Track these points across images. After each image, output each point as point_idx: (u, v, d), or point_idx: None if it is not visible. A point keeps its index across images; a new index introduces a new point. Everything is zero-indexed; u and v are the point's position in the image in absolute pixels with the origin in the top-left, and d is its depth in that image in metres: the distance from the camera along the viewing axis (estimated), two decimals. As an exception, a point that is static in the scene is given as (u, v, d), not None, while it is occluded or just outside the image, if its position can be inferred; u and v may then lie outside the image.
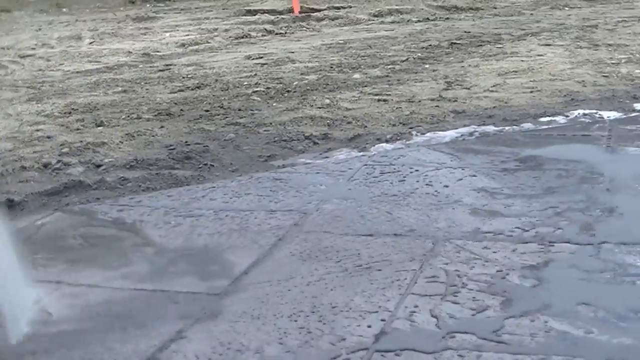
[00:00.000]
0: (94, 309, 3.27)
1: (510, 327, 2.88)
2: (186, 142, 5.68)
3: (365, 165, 4.89)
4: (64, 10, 15.06)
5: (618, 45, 8.39)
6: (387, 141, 5.47)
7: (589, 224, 3.75)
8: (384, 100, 6.62)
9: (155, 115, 6.54)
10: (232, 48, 10.19)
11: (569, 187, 4.26)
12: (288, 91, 7.17)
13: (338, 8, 13.18)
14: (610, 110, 5.88)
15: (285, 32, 11.27)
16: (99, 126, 6.29)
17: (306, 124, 6.03)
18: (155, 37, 11.38)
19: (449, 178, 4.53)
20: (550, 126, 5.55)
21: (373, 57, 8.62)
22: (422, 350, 2.78)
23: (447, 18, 11.54)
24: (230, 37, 11.00)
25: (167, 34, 11.52)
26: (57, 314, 3.24)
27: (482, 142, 5.24)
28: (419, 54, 8.63)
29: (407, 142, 5.41)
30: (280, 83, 7.53)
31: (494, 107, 6.19)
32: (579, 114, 5.81)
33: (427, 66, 7.98)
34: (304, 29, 11.49)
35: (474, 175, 4.55)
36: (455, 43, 9.16)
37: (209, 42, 10.67)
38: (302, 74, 7.94)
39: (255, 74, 8.04)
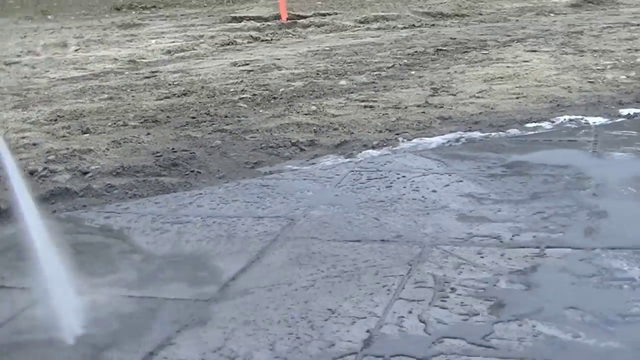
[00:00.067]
0: (82, 316, 3.26)
1: (498, 331, 2.89)
2: (173, 149, 5.68)
3: (352, 171, 4.90)
4: (49, 17, 15.02)
5: (603, 51, 8.42)
6: (373, 147, 5.48)
7: (576, 229, 3.76)
8: (370, 107, 6.63)
9: (142, 122, 6.53)
10: (218, 55, 10.19)
11: (556, 192, 4.28)
12: (274, 98, 7.17)
13: (324, 15, 13.20)
14: (596, 115, 5.90)
15: (271, 39, 11.27)
16: (85, 133, 6.28)
17: (293, 130, 6.03)
18: (141, 44, 11.37)
19: (435, 184, 4.54)
20: (536, 132, 5.57)
21: (359, 64, 8.63)
22: (411, 355, 2.78)
23: (433, 25, 11.56)
24: (216, 43, 11.00)
25: (153, 41, 11.50)
26: (43, 322, 3.23)
27: (469, 148, 5.26)
28: (405, 61, 8.64)
29: (394, 149, 5.42)
30: (267, 90, 7.53)
31: (480, 113, 6.21)
32: (564, 119, 5.83)
33: (413, 72, 8.00)
34: (290, 35, 11.50)
35: (461, 181, 4.56)
36: (441, 49, 9.18)
37: (195, 49, 10.67)
38: (288, 80, 7.94)
39: (242, 81, 8.04)
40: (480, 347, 2.80)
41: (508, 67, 7.92)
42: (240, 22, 12.88)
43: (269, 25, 12.43)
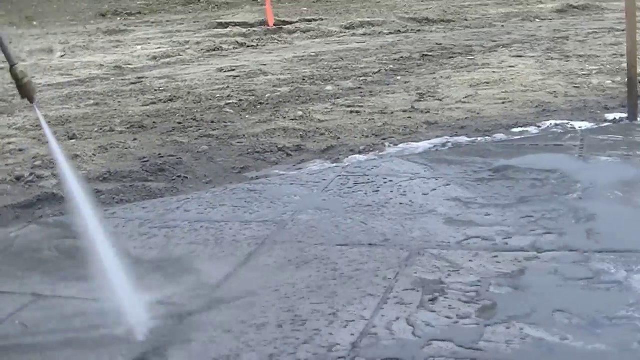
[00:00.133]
0: (70, 320, 3.26)
1: (486, 334, 2.90)
2: (159, 154, 5.67)
3: (339, 176, 4.90)
4: (34, 23, 14.98)
5: (589, 56, 8.45)
6: (360, 152, 5.49)
7: (563, 233, 3.77)
8: (357, 112, 6.65)
9: (128, 128, 6.53)
10: (204, 61, 10.19)
11: (543, 196, 4.29)
12: (261, 103, 7.18)
13: (310, 21, 13.21)
14: (582, 120, 5.92)
15: (257, 45, 11.28)
16: (71, 139, 6.28)
17: (279, 135, 6.04)
18: (126, 50, 11.36)
19: (422, 188, 4.55)
20: (522, 136, 5.59)
21: (345, 69, 8.65)
22: (400, 359, 2.78)
23: (419, 30, 11.58)
24: (202, 49, 11.00)
25: (139, 47, 11.50)
26: (33, 327, 3.23)
27: (455, 153, 5.27)
28: (391, 66, 8.66)
29: (381, 153, 5.43)
30: (253, 95, 7.54)
31: (466, 118, 6.23)
32: (550, 124, 5.86)
33: (399, 78, 8.02)
34: (276, 41, 11.51)
35: (448, 185, 4.57)
36: (427, 55, 9.21)
37: (180, 55, 10.67)
38: (274, 86, 7.95)
39: (228, 87, 8.05)
40: (468, 349, 2.80)
41: (494, 72, 7.94)
42: (226, 28, 12.89)
43: (254, 31, 12.44)
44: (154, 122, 6.66)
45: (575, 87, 7.06)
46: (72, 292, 3.51)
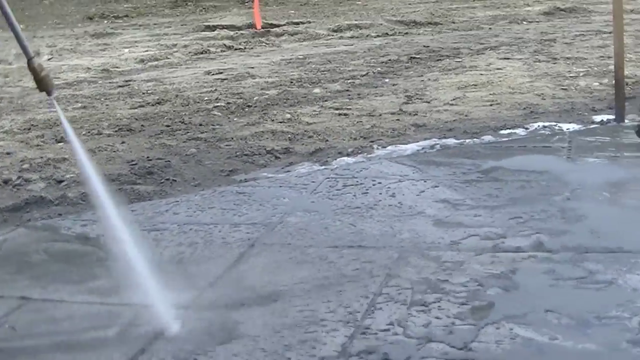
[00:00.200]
0: (60, 324, 3.25)
1: (476, 335, 2.90)
2: (148, 157, 5.67)
3: (328, 178, 4.90)
4: (21, 26, 14.95)
5: (576, 58, 8.48)
6: (348, 155, 5.49)
7: (552, 233, 3.78)
8: (345, 115, 6.65)
9: (116, 131, 6.52)
10: (192, 63, 10.18)
11: (531, 197, 4.30)
12: (249, 106, 7.18)
13: (297, 23, 13.21)
14: (570, 122, 5.94)
15: (245, 48, 11.27)
16: (59, 142, 6.26)
17: (267, 138, 6.04)
18: (114, 53, 11.34)
19: (411, 190, 4.55)
20: (510, 138, 5.61)
21: (333, 72, 8.65)
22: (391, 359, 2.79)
23: (406, 33, 11.60)
24: (189, 52, 10.99)
25: (126, 50, 11.48)
26: (22, 330, 3.22)
27: (444, 155, 5.28)
28: (379, 69, 8.67)
29: (369, 156, 5.43)
30: (241, 98, 7.54)
31: (455, 120, 6.24)
32: (538, 126, 5.87)
33: (387, 80, 8.03)
34: (264, 44, 11.50)
35: (437, 187, 4.57)
36: (414, 57, 9.22)
37: (168, 58, 10.65)
38: (262, 89, 7.95)
39: (216, 89, 8.04)
40: (459, 350, 2.81)
41: (481, 74, 7.96)
42: (213, 30, 12.87)
43: (242, 34, 12.43)
44: (142, 125, 6.65)
45: (562, 89, 7.08)
46: (61, 295, 3.50)
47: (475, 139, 5.63)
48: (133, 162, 5.55)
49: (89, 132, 6.51)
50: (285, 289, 3.39)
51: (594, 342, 2.81)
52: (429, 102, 6.89)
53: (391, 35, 11.52)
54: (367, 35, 11.59)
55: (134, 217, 4.45)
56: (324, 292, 3.33)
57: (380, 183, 4.70)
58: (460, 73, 8.12)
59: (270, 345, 2.93)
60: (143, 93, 8.14)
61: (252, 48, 11.23)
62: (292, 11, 14.92)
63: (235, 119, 6.72)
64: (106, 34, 13.50)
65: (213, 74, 9.02)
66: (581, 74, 7.65)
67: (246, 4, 15.70)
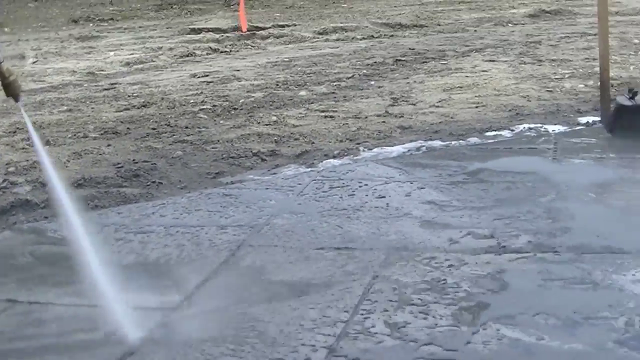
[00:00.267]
0: (47, 326, 3.24)
1: (463, 335, 2.91)
2: (134, 160, 5.66)
3: (314, 180, 4.91)
4: (6, 29, 14.90)
5: (562, 60, 8.50)
6: (334, 157, 5.50)
7: (538, 234, 3.79)
8: (331, 117, 6.65)
9: (102, 134, 6.51)
10: (178, 66, 10.16)
11: (518, 198, 4.32)
12: (235, 109, 7.17)
13: (283, 26, 13.19)
14: (555, 124, 5.96)
15: (230, 51, 11.25)
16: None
17: (253, 140, 6.04)
18: (99, 56, 11.31)
19: (398, 192, 4.56)
20: (496, 140, 5.62)
21: (319, 75, 8.65)
22: (378, 360, 2.80)
23: (392, 35, 11.60)
24: (175, 55, 10.96)
25: (112, 53, 11.45)
26: (9, 332, 3.21)
27: (430, 157, 5.29)
28: (365, 71, 8.67)
29: (355, 158, 5.44)
30: (227, 101, 7.53)
31: (440, 122, 6.25)
32: (524, 128, 5.88)
33: (372, 83, 8.03)
34: (249, 47, 11.49)
35: (423, 189, 4.58)
36: (400, 60, 9.22)
37: (154, 61, 10.62)
38: (248, 91, 7.94)
39: (202, 92, 8.03)
40: (446, 351, 2.82)
41: (467, 76, 7.96)
42: (199, 33, 12.85)
43: (227, 36, 12.41)
44: (127, 128, 6.64)
45: (548, 91, 7.10)
46: (49, 298, 3.49)
47: (461, 141, 5.64)
48: (119, 165, 5.54)
49: (74, 135, 6.49)
50: (272, 290, 3.39)
51: (581, 342, 2.82)
52: (414, 105, 6.90)
53: (377, 37, 11.51)
54: (353, 38, 11.59)
55: (120, 219, 4.45)
56: (312, 292, 3.33)
57: (366, 185, 4.71)
58: (446, 75, 8.12)
59: (256, 346, 2.93)
60: (129, 96, 8.12)
61: (237, 51, 11.21)
62: (278, 14, 14.91)
63: (221, 122, 6.71)
64: (91, 37, 13.46)
65: (199, 77, 9.00)
66: (566, 76, 7.67)
67: (232, 6, 15.68)
